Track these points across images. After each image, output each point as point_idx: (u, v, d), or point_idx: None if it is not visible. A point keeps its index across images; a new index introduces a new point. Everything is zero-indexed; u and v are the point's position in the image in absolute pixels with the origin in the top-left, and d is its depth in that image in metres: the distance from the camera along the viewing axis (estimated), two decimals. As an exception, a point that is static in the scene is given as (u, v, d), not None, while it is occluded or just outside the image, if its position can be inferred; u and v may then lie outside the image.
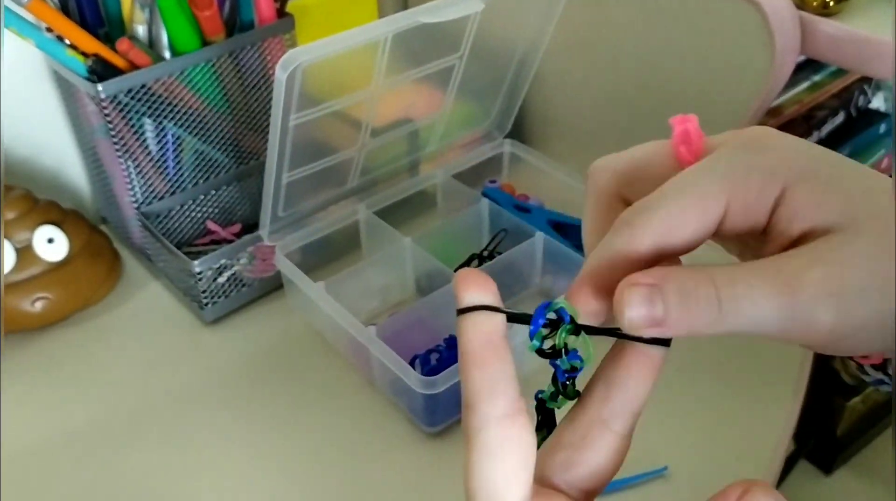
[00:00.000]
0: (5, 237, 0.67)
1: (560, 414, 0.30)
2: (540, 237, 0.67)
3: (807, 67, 0.91)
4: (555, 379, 0.29)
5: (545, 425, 0.30)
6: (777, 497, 0.26)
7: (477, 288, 0.27)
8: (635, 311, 0.26)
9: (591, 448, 0.28)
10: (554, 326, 0.28)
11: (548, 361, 0.28)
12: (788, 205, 0.26)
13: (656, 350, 0.28)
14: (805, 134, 0.89)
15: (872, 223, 0.26)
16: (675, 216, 0.27)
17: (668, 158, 0.29)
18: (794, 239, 0.27)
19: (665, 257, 0.27)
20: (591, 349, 0.28)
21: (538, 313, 0.28)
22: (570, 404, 0.29)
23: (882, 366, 0.31)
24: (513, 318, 0.27)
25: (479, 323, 0.26)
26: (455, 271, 0.27)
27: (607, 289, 0.27)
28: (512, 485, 0.26)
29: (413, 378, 0.55)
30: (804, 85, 0.89)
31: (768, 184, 0.26)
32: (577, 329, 0.28)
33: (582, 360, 0.28)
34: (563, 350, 0.28)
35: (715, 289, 0.25)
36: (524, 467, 0.26)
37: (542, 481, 0.28)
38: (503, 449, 0.26)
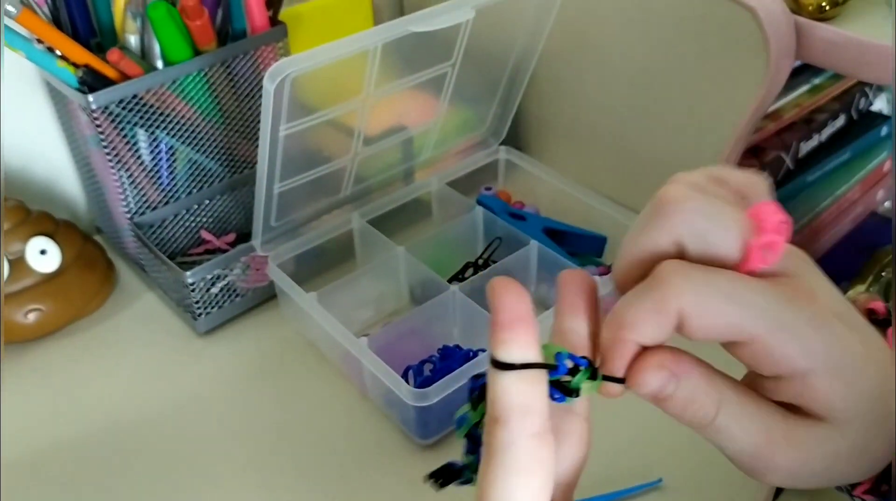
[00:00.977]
0: (-2, 249, 0.67)
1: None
2: (534, 246, 0.66)
3: (806, 69, 0.90)
4: None
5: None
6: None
7: (522, 344, 0.26)
8: (653, 385, 0.28)
9: (564, 438, 0.29)
10: (572, 371, 0.28)
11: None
12: (799, 387, 0.29)
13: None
14: (805, 137, 0.88)
15: (857, 426, 0.29)
16: (708, 306, 0.28)
17: (736, 243, 0.29)
18: (788, 402, 0.30)
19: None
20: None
21: (560, 362, 0.28)
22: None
23: (872, 490, 0.35)
24: (536, 366, 0.27)
25: (520, 387, 0.26)
26: (491, 299, 0.27)
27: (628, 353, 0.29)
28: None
29: (405, 391, 0.54)
30: (804, 88, 0.88)
31: (799, 360, 0.28)
32: (593, 375, 0.29)
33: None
34: (576, 392, 0.28)
35: (715, 411, 0.29)
36: (547, 487, 0.26)
37: None
38: (532, 468, 0.26)
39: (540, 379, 0.26)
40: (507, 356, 0.26)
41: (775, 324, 0.27)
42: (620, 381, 0.29)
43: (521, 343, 0.26)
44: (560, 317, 0.30)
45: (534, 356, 0.26)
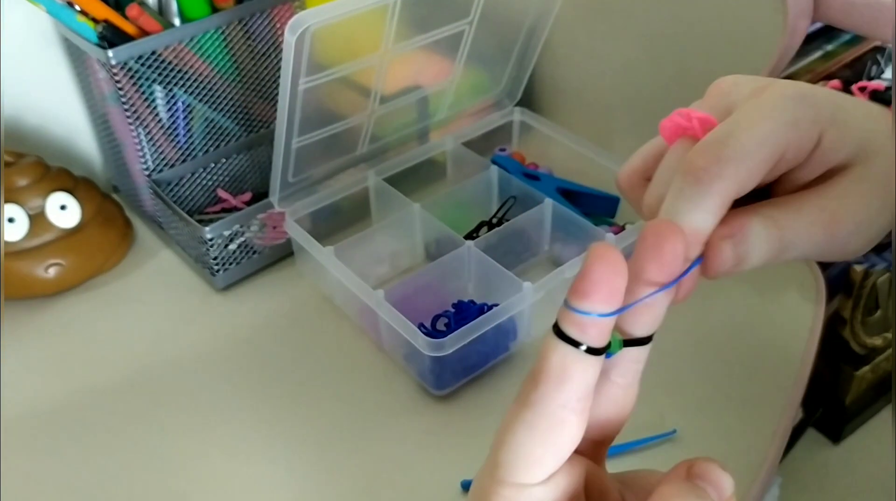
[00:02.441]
0: (18, 204, 0.67)
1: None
2: (549, 204, 0.67)
3: (820, 36, 0.90)
4: None
5: None
6: (717, 466, 0.27)
7: (586, 330, 0.25)
8: (728, 255, 0.30)
9: (596, 400, 0.28)
10: None
11: None
12: (820, 146, 0.31)
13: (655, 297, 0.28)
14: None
15: (877, 157, 0.32)
16: (751, 172, 0.29)
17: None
18: (821, 173, 0.32)
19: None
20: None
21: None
22: None
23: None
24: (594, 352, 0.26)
25: (568, 361, 0.25)
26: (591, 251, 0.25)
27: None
28: (544, 465, 0.26)
29: (421, 341, 0.55)
30: (817, 54, 0.88)
31: (815, 132, 0.31)
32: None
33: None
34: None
35: (779, 232, 0.30)
36: (562, 455, 0.26)
37: None
38: (550, 435, 0.26)
39: (593, 364, 0.25)
40: (570, 330, 0.25)
41: (809, 116, 0.31)
42: (645, 341, 0.28)
43: (589, 326, 0.25)
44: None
45: (597, 340, 0.25)
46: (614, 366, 0.28)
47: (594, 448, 0.29)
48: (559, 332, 0.25)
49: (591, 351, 0.25)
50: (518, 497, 0.26)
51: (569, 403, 0.25)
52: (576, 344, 0.25)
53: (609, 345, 0.26)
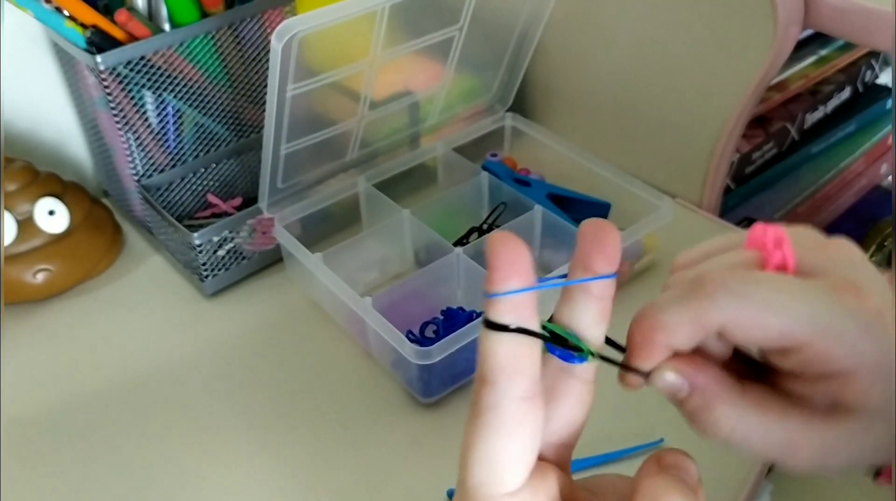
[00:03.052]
0: (6, 209, 0.67)
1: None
2: (538, 211, 0.67)
3: (813, 41, 0.90)
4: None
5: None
6: (682, 454, 0.29)
7: (516, 306, 0.25)
8: (664, 384, 0.29)
9: (560, 398, 0.28)
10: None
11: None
12: (841, 385, 0.28)
13: (602, 289, 0.28)
14: (811, 109, 0.88)
15: (885, 419, 0.29)
16: (752, 315, 0.28)
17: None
18: (820, 404, 0.29)
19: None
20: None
21: (567, 357, 0.28)
22: None
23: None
24: (528, 333, 0.26)
25: (509, 350, 0.25)
26: (489, 248, 0.25)
27: (655, 356, 0.29)
28: (518, 465, 0.26)
29: (408, 349, 0.55)
30: (810, 59, 0.88)
31: (845, 360, 0.28)
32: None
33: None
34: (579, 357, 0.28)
35: (731, 426, 0.29)
36: (531, 449, 0.26)
37: None
38: (517, 430, 0.25)
39: (532, 344, 0.25)
40: (498, 317, 0.25)
41: (823, 328, 0.27)
42: (643, 374, 0.29)
43: (514, 305, 0.25)
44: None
45: (528, 318, 0.25)
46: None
47: (559, 452, 0.29)
48: (492, 325, 0.25)
49: (527, 333, 0.25)
50: None
51: (526, 391, 0.25)
52: (511, 331, 0.25)
53: (585, 351, 0.27)
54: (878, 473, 0.35)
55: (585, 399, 0.29)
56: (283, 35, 0.52)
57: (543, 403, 0.26)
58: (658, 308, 0.28)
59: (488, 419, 0.25)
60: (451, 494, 0.54)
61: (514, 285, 0.25)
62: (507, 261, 0.24)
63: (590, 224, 0.27)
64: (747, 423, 0.29)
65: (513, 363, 0.25)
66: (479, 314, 0.60)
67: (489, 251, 0.25)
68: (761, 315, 0.27)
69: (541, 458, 0.28)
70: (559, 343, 0.27)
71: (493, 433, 0.25)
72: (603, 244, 0.27)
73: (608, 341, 0.29)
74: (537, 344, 0.26)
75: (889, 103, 0.94)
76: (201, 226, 0.68)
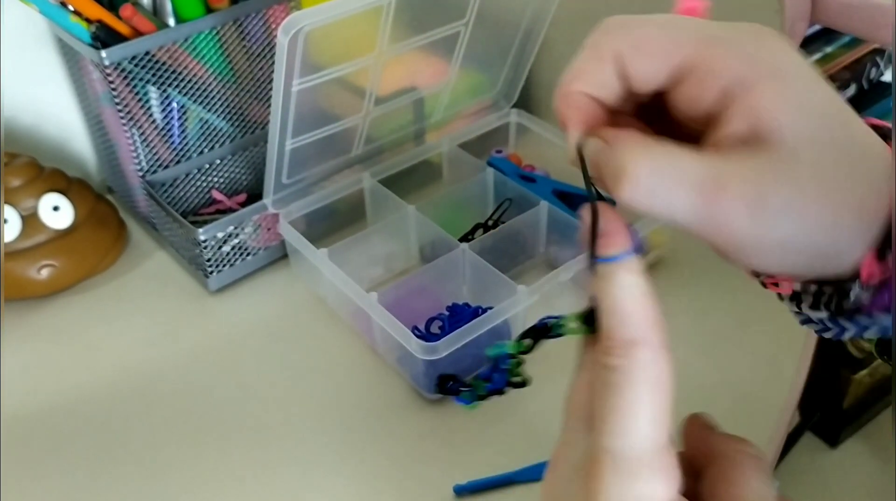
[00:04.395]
0: (10, 205, 0.67)
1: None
2: (544, 206, 0.66)
3: (818, 38, 0.90)
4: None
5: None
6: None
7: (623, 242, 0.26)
8: (590, 155, 0.27)
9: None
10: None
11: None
12: (745, 101, 0.25)
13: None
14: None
15: (811, 149, 0.25)
16: (644, 34, 0.27)
17: None
18: (736, 137, 0.26)
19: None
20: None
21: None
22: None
23: (795, 297, 0.29)
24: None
25: (639, 289, 0.26)
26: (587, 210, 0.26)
27: (582, 109, 0.28)
28: (666, 418, 0.25)
29: (414, 344, 0.55)
30: (816, 57, 0.88)
31: (740, 65, 0.26)
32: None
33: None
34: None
35: (634, 162, 0.25)
36: (668, 411, 0.25)
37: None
38: (664, 383, 0.25)
39: (648, 292, 0.26)
40: (615, 250, 0.26)
41: (715, 37, 0.26)
42: (591, 326, 0.27)
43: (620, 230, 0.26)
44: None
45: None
46: None
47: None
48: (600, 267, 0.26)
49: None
50: (657, 461, 0.25)
51: (658, 334, 0.25)
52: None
53: None
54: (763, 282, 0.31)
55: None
56: (289, 29, 0.52)
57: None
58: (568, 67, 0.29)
59: (641, 376, 0.25)
60: (457, 489, 0.53)
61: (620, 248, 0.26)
62: (610, 221, 0.26)
63: (583, 213, 0.27)
64: (667, 164, 0.25)
65: (640, 293, 0.25)
66: (484, 310, 0.59)
67: (592, 217, 0.26)
68: (651, 33, 0.27)
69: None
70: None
71: (648, 387, 0.25)
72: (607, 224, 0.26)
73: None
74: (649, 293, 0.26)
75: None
76: (206, 222, 0.67)
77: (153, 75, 0.66)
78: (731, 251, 0.26)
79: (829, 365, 0.61)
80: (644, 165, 0.25)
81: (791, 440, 0.60)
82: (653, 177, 0.25)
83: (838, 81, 0.90)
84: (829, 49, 0.89)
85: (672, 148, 0.26)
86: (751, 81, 0.25)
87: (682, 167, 0.25)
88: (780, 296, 0.32)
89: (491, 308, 0.58)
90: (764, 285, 0.32)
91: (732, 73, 0.26)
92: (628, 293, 0.25)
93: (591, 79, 0.28)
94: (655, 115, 0.29)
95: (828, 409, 0.62)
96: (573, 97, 0.28)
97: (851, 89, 0.92)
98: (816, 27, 0.69)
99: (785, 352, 0.60)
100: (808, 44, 0.88)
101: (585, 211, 0.26)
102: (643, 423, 0.25)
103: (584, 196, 0.73)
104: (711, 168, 0.25)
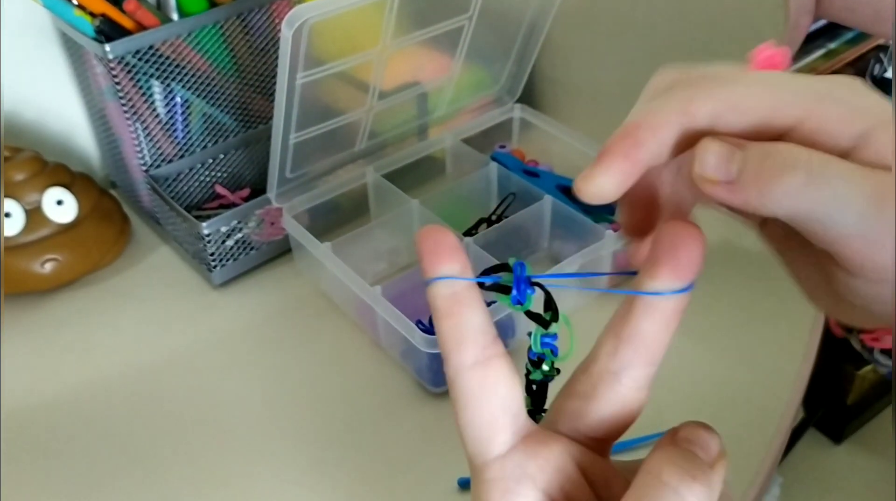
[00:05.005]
0: (14, 199, 0.67)
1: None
2: (548, 201, 0.66)
3: (822, 34, 0.89)
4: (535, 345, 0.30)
5: (535, 394, 0.30)
6: (701, 427, 0.26)
7: (447, 261, 0.27)
8: (711, 160, 0.25)
9: (600, 399, 0.27)
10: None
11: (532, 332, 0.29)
12: (872, 147, 0.24)
13: (668, 301, 0.27)
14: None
15: None
16: (743, 94, 0.25)
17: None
18: None
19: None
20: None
21: (521, 281, 0.28)
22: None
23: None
24: (492, 287, 0.28)
25: (447, 283, 0.27)
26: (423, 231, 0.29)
27: (639, 157, 0.25)
28: (496, 428, 0.27)
29: (418, 338, 0.55)
30: (819, 53, 0.88)
31: (855, 118, 0.24)
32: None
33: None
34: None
35: (808, 156, 0.23)
36: (505, 410, 0.27)
37: (549, 426, 0.28)
38: (480, 396, 0.26)
39: (469, 314, 0.27)
40: (434, 273, 0.27)
41: (818, 95, 0.25)
42: (548, 317, 0.29)
43: (447, 260, 0.27)
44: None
45: (459, 270, 0.27)
46: (625, 369, 0.27)
47: (596, 444, 0.28)
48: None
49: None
50: (487, 473, 0.26)
51: (478, 358, 0.26)
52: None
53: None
54: None
55: (632, 405, 0.28)
56: (293, 22, 0.52)
57: (507, 365, 0.27)
58: (636, 111, 0.26)
59: (453, 394, 0.27)
60: (461, 483, 0.53)
61: (447, 262, 0.27)
62: (437, 251, 0.27)
63: (671, 226, 0.26)
64: (839, 162, 0.24)
65: (455, 334, 0.26)
66: (489, 304, 0.59)
67: (420, 251, 0.27)
68: (753, 91, 0.25)
69: (554, 429, 0.28)
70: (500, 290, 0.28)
71: (462, 404, 0.27)
72: (677, 253, 0.26)
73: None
74: (476, 313, 0.27)
75: (898, 97, 0.94)
76: (209, 217, 0.67)
77: (157, 70, 0.66)
78: (867, 276, 0.25)
79: (833, 361, 0.61)
80: (816, 159, 0.24)
81: (795, 436, 0.60)
82: (827, 170, 0.23)
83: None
84: (832, 45, 0.89)
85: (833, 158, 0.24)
86: (865, 131, 0.24)
87: (853, 168, 0.24)
88: (869, 353, 0.31)
89: (494, 302, 0.58)
90: (863, 344, 0.32)
91: (847, 128, 0.24)
92: (435, 307, 0.27)
93: (665, 137, 0.25)
94: None
95: (832, 405, 0.62)
96: (640, 147, 0.25)
97: (855, 86, 0.91)
98: (820, 23, 0.70)
99: (788, 349, 0.60)
100: (812, 40, 0.88)
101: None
102: (464, 436, 0.27)
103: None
104: (882, 177, 0.23)
